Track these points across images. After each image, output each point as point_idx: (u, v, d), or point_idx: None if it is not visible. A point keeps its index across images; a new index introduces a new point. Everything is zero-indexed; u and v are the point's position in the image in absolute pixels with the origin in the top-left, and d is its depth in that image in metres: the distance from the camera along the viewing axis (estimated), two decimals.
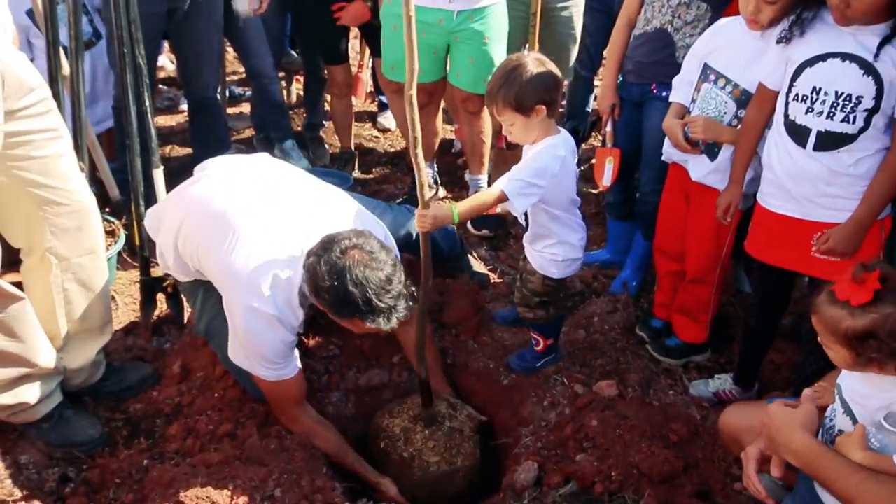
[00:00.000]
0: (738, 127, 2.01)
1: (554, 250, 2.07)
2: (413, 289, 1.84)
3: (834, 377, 1.45)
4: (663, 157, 2.27)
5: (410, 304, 1.84)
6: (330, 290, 1.73)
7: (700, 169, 2.13)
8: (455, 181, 3.61)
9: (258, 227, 1.89)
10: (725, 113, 2.03)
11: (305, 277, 1.81)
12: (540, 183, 1.88)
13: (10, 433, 1.98)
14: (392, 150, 4.04)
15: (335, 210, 2.04)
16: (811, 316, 1.26)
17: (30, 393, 1.92)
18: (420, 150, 1.69)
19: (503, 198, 1.86)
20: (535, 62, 1.90)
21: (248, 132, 4.09)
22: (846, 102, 1.66)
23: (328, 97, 3.84)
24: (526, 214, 2.04)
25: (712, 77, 2.06)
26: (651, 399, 2.19)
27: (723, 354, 2.41)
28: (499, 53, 2.83)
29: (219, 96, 4.02)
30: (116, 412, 2.14)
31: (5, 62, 1.64)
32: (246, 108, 4.32)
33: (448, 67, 2.92)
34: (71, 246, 1.95)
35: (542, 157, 1.91)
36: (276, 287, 1.84)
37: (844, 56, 1.65)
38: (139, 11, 2.17)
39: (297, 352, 1.98)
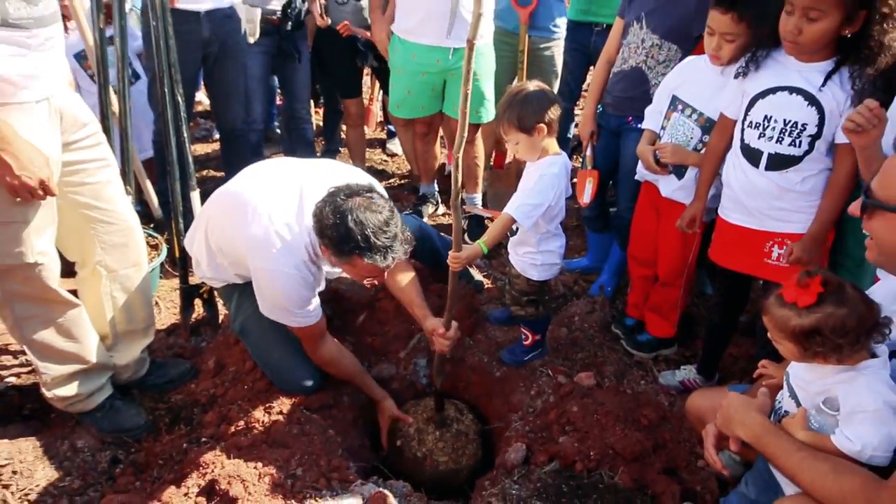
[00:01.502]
0: (702, 151, 2.00)
1: (534, 256, 2.07)
2: (409, 234, 1.83)
3: (784, 366, 1.44)
4: (637, 177, 2.26)
5: (406, 247, 1.83)
6: (333, 227, 1.72)
7: (669, 186, 2.13)
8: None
9: (269, 198, 1.90)
10: (692, 138, 2.03)
11: (313, 222, 1.80)
12: (542, 203, 1.91)
13: (69, 421, 1.98)
14: (399, 172, 4.05)
15: (338, 172, 2.04)
16: (763, 316, 1.26)
17: (84, 386, 1.92)
18: (459, 202, 1.70)
19: (513, 221, 1.89)
20: (535, 88, 1.91)
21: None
22: (793, 129, 1.67)
23: (344, 127, 3.85)
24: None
25: (680, 107, 2.06)
26: (625, 388, 2.18)
27: (688, 348, 2.40)
28: (488, 88, 2.84)
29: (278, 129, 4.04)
30: (159, 402, 2.14)
31: (64, 102, 1.66)
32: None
33: (444, 101, 2.92)
34: (118, 259, 1.96)
35: (543, 182, 1.91)
36: (292, 249, 1.85)
37: (792, 89, 1.66)
38: (178, 57, 2.18)
39: (317, 300, 1.96)
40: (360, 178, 2.04)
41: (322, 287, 2.06)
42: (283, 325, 2.01)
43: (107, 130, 2.16)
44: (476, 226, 3.12)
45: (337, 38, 3.17)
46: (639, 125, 2.28)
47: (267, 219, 1.85)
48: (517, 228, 1.98)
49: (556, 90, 3.12)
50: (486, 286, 2.72)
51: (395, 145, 4.17)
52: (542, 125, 1.88)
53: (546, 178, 1.92)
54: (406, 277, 2.14)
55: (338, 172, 2.05)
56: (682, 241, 2.14)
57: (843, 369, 1.17)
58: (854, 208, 1.19)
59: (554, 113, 1.91)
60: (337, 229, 1.72)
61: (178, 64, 2.19)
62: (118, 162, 2.03)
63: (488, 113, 2.91)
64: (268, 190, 1.94)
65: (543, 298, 2.21)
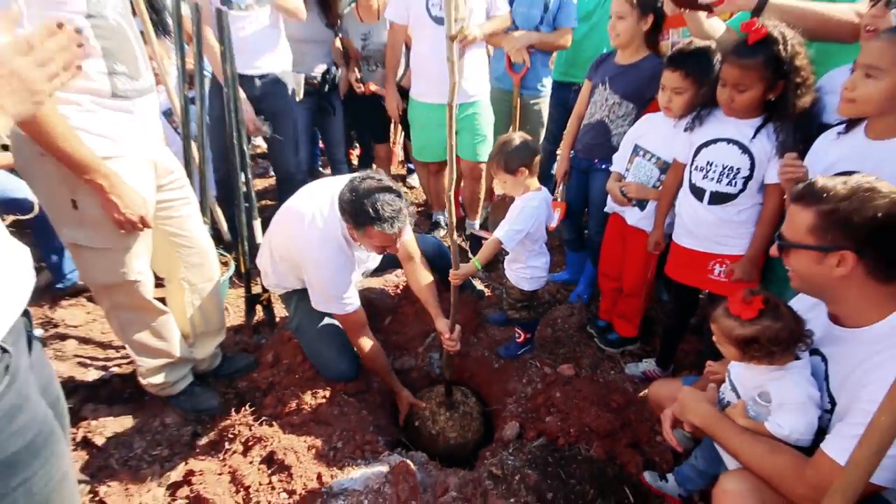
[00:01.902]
0: (660, 188, 1.98)
1: (524, 270, 2.06)
2: (412, 209, 1.82)
3: (726, 363, 1.42)
4: (606, 209, 2.23)
5: (411, 219, 1.86)
6: (349, 203, 1.74)
7: (634, 216, 2.10)
8: (457, 224, 3.55)
9: (311, 204, 1.93)
10: (652, 177, 2.01)
11: (339, 206, 1.82)
12: (523, 230, 1.91)
13: (159, 403, 1.99)
14: (416, 201, 3.98)
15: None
16: (711, 323, 1.24)
17: (171, 375, 1.92)
18: (455, 237, 1.73)
19: (500, 243, 1.90)
20: (519, 139, 1.91)
21: None
22: (730, 172, 1.66)
23: (374, 166, 3.85)
24: None
25: (642, 153, 2.04)
26: (598, 377, 2.15)
27: (648, 344, 2.38)
28: (488, 134, 2.81)
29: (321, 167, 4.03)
30: (228, 388, 2.13)
31: (157, 154, 1.67)
32: None
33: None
34: (197, 276, 1.95)
35: (524, 213, 1.91)
36: (328, 236, 1.88)
37: (729, 140, 1.66)
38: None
39: (355, 290, 1.97)
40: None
41: (358, 276, 2.06)
42: (331, 327, 2.02)
43: (189, 173, 2.17)
44: (477, 246, 3.06)
45: (368, 95, 3.18)
46: (603, 166, 2.25)
47: (310, 218, 1.89)
48: (507, 249, 1.98)
49: (542, 136, 3.12)
50: (486, 294, 2.70)
51: (413, 179, 4.14)
52: (523, 168, 1.89)
53: (527, 209, 1.92)
54: (426, 280, 2.14)
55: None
56: (644, 261, 2.12)
57: (774, 369, 1.16)
58: (773, 251, 1.18)
59: (534, 159, 1.91)
60: (352, 204, 1.74)
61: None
62: (197, 196, 2.03)
63: (482, 147, 2.89)
64: (310, 199, 1.97)
65: (533, 304, 2.19)
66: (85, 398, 1.98)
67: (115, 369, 2.16)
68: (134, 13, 1.67)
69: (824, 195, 1.05)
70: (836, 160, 1.33)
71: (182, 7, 2.11)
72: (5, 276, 0.85)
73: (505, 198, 3.35)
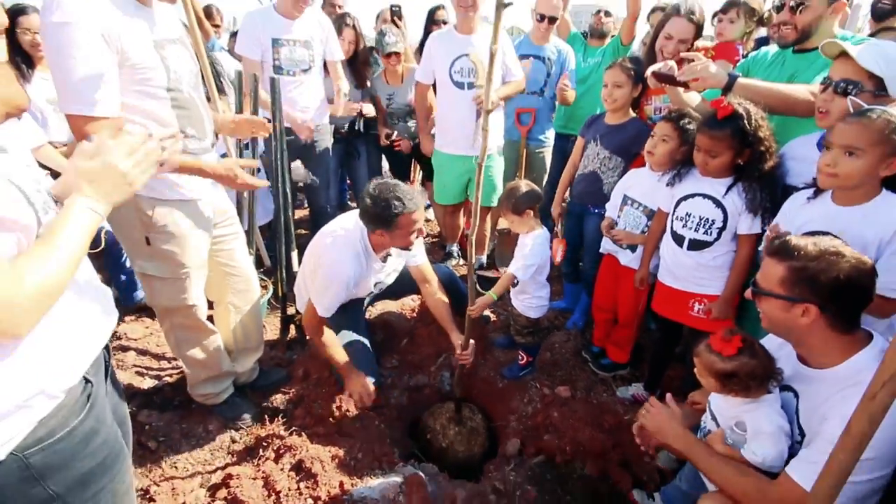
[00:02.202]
0: (646, 233, 2.02)
1: (530, 300, 2.10)
2: (425, 193, 1.91)
3: (706, 393, 1.41)
4: (601, 250, 2.25)
5: (424, 200, 1.88)
6: (374, 206, 1.77)
7: (626, 258, 2.13)
8: (465, 255, 3.58)
9: (335, 223, 2.02)
10: (640, 223, 2.05)
11: (361, 218, 1.86)
12: (534, 264, 1.97)
13: (204, 411, 2.01)
14: (431, 233, 4.02)
15: None
16: (694, 357, 1.24)
17: (216, 387, 1.95)
18: (473, 276, 1.78)
19: (514, 277, 1.96)
20: (526, 186, 1.99)
21: None
22: (706, 223, 1.69)
23: None
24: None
25: (630, 202, 2.08)
26: (592, 398, 2.13)
27: (638, 369, 2.36)
28: (499, 181, 2.87)
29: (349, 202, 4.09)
30: (264, 399, 2.13)
31: (214, 197, 1.73)
32: None
33: (468, 190, 2.95)
34: (241, 300, 1.99)
35: (534, 249, 1.98)
36: (348, 240, 1.92)
37: (704, 195, 1.69)
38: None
39: (336, 305, 1.95)
40: None
41: (369, 288, 2.10)
42: (357, 343, 2.06)
43: (239, 210, 2.27)
44: (482, 280, 3.06)
45: (392, 144, 3.28)
46: (595, 210, 2.30)
47: (332, 231, 1.98)
48: (518, 282, 2.03)
49: (545, 181, 3.17)
50: (492, 319, 2.72)
51: (429, 213, 4.20)
52: (529, 210, 1.96)
53: (535, 246, 1.98)
54: (442, 300, 2.17)
55: None
56: (635, 295, 2.13)
57: (749, 401, 1.17)
58: (748, 294, 1.21)
59: (537, 203, 1.99)
60: (376, 206, 1.77)
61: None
62: (244, 225, 2.09)
63: (497, 199, 2.94)
64: (335, 222, 2.06)
65: (538, 330, 2.21)
66: (141, 404, 2.03)
67: (168, 378, 2.21)
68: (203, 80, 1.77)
69: (796, 253, 1.07)
70: (806, 221, 1.35)
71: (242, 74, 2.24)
72: (91, 314, 0.91)
73: (510, 233, 3.40)
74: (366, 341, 2.17)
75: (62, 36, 1.19)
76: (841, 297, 1.03)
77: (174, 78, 1.43)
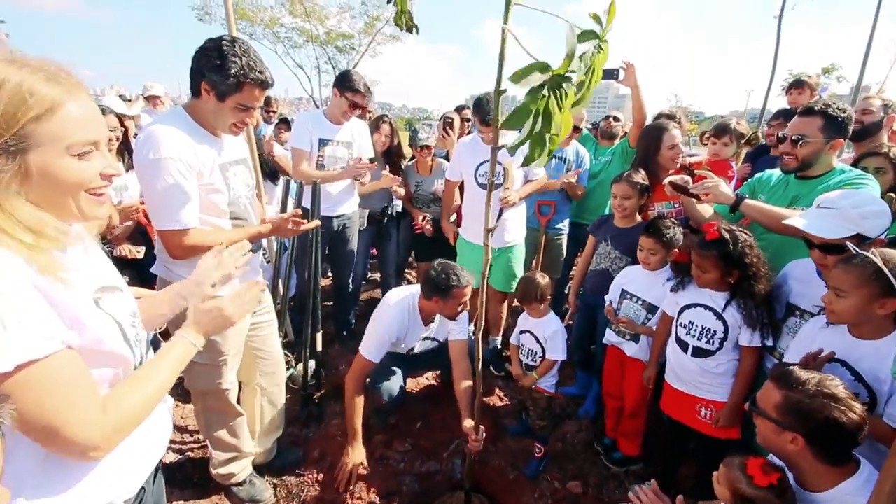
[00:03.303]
0: (647, 323, 2.12)
1: (555, 377, 2.29)
2: (473, 276, 2.22)
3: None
4: (604, 341, 2.34)
5: (471, 279, 2.19)
6: (436, 279, 2.13)
7: (631, 349, 2.22)
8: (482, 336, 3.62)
9: (394, 292, 2.37)
10: (639, 316, 2.16)
11: (422, 289, 2.22)
12: (564, 344, 2.21)
13: (220, 491, 2.06)
14: None
15: None
16: (721, 465, 1.21)
17: (237, 467, 2.01)
18: (481, 352, 1.83)
19: (557, 362, 2.22)
20: (542, 279, 2.21)
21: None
22: (708, 333, 1.77)
23: None
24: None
25: (629, 296, 2.20)
26: (604, 496, 2.12)
27: (651, 465, 2.33)
28: (518, 270, 2.97)
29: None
30: (279, 480, 2.17)
31: None
32: None
33: (489, 276, 3.02)
34: (269, 382, 2.09)
35: (563, 332, 2.24)
36: (400, 304, 2.29)
37: (705, 307, 1.78)
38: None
39: (383, 352, 2.26)
40: None
41: (400, 348, 2.42)
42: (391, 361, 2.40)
43: (275, 293, 2.47)
44: (497, 358, 3.15)
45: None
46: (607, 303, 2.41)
47: (395, 292, 2.37)
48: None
49: (561, 265, 3.32)
50: (505, 403, 2.74)
51: None
52: (547, 298, 2.20)
53: (561, 331, 2.23)
54: (467, 383, 2.24)
55: None
56: (642, 387, 2.18)
57: None
58: (746, 406, 1.28)
59: (550, 292, 2.22)
60: (438, 279, 2.13)
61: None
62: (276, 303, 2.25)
63: (511, 280, 3.02)
64: (403, 289, 2.40)
65: (553, 414, 2.31)
66: (164, 480, 2.10)
67: (189, 454, 2.29)
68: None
69: (794, 385, 1.16)
70: (823, 347, 1.38)
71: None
72: (159, 426, 1.03)
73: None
74: (398, 371, 2.46)
75: (158, 169, 1.47)
76: (827, 436, 1.11)
77: (234, 196, 1.68)
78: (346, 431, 2.25)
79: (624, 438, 2.33)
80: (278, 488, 2.16)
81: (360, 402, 2.20)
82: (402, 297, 2.32)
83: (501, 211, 2.73)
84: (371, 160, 2.99)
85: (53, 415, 0.72)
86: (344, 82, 2.78)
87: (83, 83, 0.77)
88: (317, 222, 2.04)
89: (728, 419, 1.75)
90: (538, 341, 2.28)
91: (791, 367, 1.21)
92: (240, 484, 2.06)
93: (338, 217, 3.04)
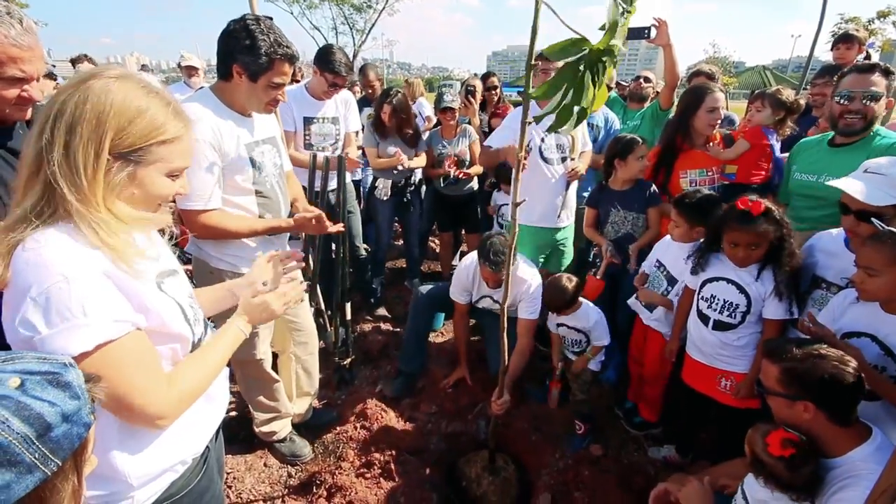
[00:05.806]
0: (668, 295, 2.12)
1: (597, 360, 2.33)
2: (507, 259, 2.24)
3: (730, 467, 1.50)
4: (628, 302, 2.36)
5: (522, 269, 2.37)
6: (490, 246, 2.24)
7: (645, 317, 2.25)
8: None
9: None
10: (660, 286, 2.17)
11: (479, 254, 2.33)
12: (606, 326, 2.34)
13: (264, 446, 2.23)
14: None
15: None
16: (751, 429, 1.25)
17: (276, 426, 2.17)
18: (504, 338, 1.78)
19: (603, 347, 2.31)
20: (567, 281, 2.26)
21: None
22: (730, 306, 1.76)
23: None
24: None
25: (657, 265, 2.21)
26: (623, 458, 2.20)
27: (671, 429, 2.34)
28: (571, 250, 2.90)
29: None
30: (316, 439, 2.31)
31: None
32: None
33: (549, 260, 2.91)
34: (302, 350, 2.22)
35: (600, 318, 2.31)
36: (471, 268, 2.49)
37: (728, 280, 1.77)
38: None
39: (466, 295, 2.59)
40: None
41: (473, 300, 2.60)
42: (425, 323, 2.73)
43: (304, 272, 2.49)
44: (545, 337, 2.97)
45: (459, 200, 3.62)
46: (632, 271, 2.41)
47: (470, 255, 2.54)
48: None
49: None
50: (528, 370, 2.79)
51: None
52: (578, 301, 2.24)
53: (599, 318, 2.28)
54: (516, 360, 2.33)
55: None
56: (661, 358, 2.20)
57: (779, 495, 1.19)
58: (757, 392, 1.32)
59: (580, 292, 2.29)
60: (492, 247, 2.24)
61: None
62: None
63: (567, 261, 2.94)
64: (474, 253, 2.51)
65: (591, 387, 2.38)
66: None
67: (233, 413, 2.47)
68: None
69: (784, 355, 1.21)
70: (852, 320, 1.39)
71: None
72: (219, 392, 1.13)
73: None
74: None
75: None
76: (830, 393, 1.16)
77: (261, 175, 1.72)
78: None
79: (643, 403, 2.39)
80: (315, 445, 2.31)
81: (462, 325, 2.65)
82: (472, 262, 2.51)
83: (568, 185, 2.62)
84: (357, 133, 2.98)
85: (128, 389, 0.81)
86: (324, 62, 2.60)
87: (190, 120, 0.93)
88: (341, 226, 1.98)
89: (748, 390, 1.78)
90: (579, 331, 2.33)
91: (778, 341, 1.24)
92: (281, 441, 2.23)
93: (360, 181, 3.12)
